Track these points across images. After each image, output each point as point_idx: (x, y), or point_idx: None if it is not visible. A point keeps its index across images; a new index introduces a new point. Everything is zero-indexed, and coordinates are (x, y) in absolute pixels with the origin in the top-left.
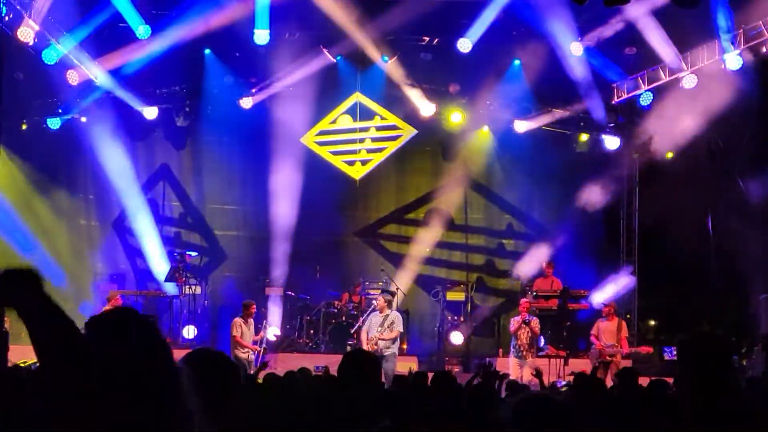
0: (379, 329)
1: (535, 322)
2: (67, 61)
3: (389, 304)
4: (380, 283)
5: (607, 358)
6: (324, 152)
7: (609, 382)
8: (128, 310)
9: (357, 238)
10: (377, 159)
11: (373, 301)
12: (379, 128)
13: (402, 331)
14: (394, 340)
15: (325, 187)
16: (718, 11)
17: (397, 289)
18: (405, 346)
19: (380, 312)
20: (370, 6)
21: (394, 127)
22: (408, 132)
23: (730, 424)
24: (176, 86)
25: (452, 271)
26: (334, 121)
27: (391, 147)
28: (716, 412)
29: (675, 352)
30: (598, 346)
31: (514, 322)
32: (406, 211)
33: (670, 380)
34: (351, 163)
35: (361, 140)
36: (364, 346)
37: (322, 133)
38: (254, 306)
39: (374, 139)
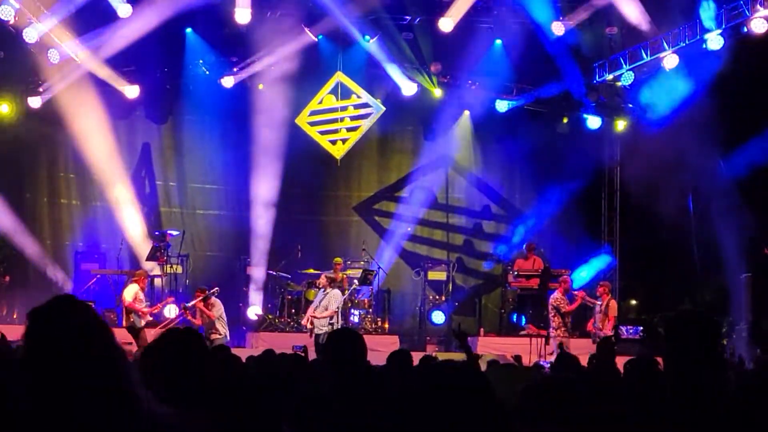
0: (318, 307)
1: None
2: (48, 39)
3: (331, 282)
4: (362, 263)
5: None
6: (313, 132)
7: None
8: (67, 297)
9: (355, 213)
10: (354, 138)
11: (355, 280)
12: (355, 107)
13: (336, 309)
14: (328, 319)
15: (307, 166)
16: None
17: (379, 268)
18: (386, 325)
19: (323, 290)
20: None
21: (366, 105)
22: (378, 110)
23: (716, 402)
24: (157, 65)
25: (434, 250)
26: (321, 102)
27: (365, 125)
28: (703, 389)
29: (664, 329)
30: (589, 328)
31: (561, 299)
32: (387, 190)
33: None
34: (334, 142)
35: (341, 119)
36: (308, 325)
37: (312, 113)
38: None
39: (352, 118)
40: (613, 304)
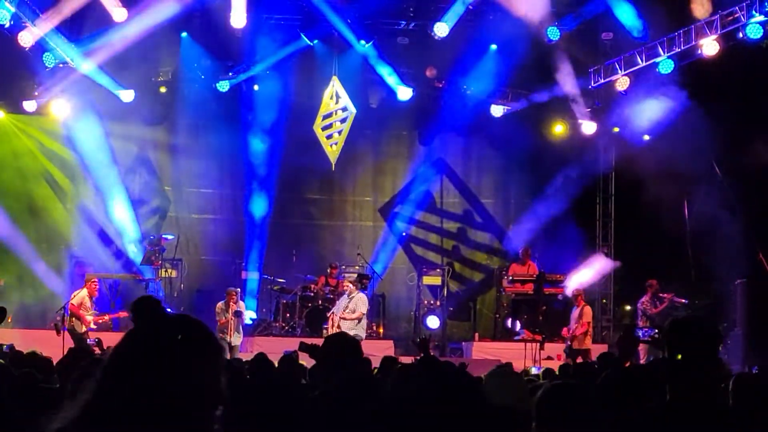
0: (344, 311)
1: None
2: (43, 43)
3: (356, 284)
4: (356, 267)
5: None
6: (323, 138)
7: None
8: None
9: (380, 216)
10: (341, 142)
11: (350, 285)
12: (343, 110)
13: (365, 312)
14: (357, 321)
15: (302, 170)
16: None
17: (374, 272)
18: (381, 330)
19: (348, 294)
20: None
21: (346, 109)
22: (351, 112)
23: (711, 407)
24: (153, 69)
25: (428, 254)
26: (326, 107)
27: (346, 129)
28: (699, 395)
29: (664, 334)
30: (563, 333)
31: (647, 302)
32: (382, 194)
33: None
34: (331, 146)
35: (333, 124)
36: (332, 329)
37: (323, 118)
38: (234, 293)
39: (340, 121)
40: (587, 309)
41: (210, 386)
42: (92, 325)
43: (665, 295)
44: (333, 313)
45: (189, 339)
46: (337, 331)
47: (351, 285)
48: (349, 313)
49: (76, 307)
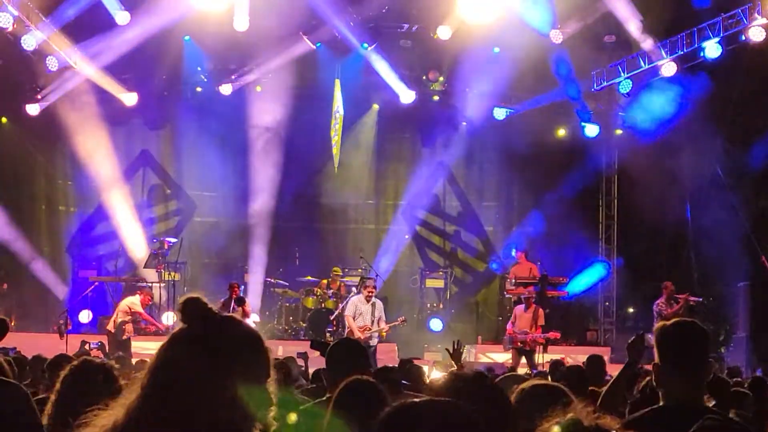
0: (372, 319)
1: None
2: (46, 47)
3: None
4: (359, 270)
5: (519, 344)
6: (332, 140)
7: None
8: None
9: (383, 219)
10: (339, 144)
11: (353, 288)
12: (338, 113)
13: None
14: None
15: (304, 173)
16: None
17: (377, 275)
18: (384, 334)
19: (367, 300)
20: None
21: (338, 111)
22: (340, 114)
23: (702, 410)
24: (155, 72)
25: (431, 257)
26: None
27: (340, 131)
28: (690, 398)
29: (653, 339)
30: (509, 332)
31: (663, 304)
32: (384, 197)
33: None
34: (333, 147)
35: (335, 126)
36: (357, 333)
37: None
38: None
39: (337, 123)
40: (542, 312)
41: (259, 388)
42: (133, 333)
43: (680, 296)
44: (348, 316)
45: (237, 340)
46: (367, 340)
47: (374, 290)
48: (377, 324)
49: (140, 314)
